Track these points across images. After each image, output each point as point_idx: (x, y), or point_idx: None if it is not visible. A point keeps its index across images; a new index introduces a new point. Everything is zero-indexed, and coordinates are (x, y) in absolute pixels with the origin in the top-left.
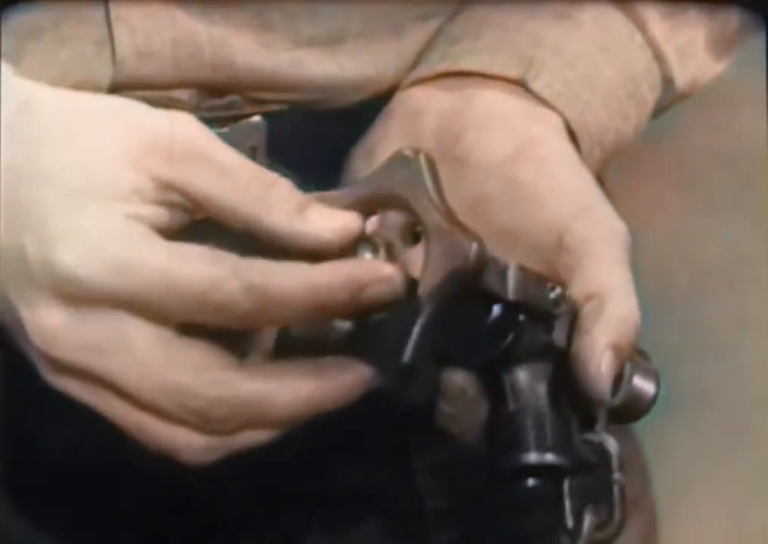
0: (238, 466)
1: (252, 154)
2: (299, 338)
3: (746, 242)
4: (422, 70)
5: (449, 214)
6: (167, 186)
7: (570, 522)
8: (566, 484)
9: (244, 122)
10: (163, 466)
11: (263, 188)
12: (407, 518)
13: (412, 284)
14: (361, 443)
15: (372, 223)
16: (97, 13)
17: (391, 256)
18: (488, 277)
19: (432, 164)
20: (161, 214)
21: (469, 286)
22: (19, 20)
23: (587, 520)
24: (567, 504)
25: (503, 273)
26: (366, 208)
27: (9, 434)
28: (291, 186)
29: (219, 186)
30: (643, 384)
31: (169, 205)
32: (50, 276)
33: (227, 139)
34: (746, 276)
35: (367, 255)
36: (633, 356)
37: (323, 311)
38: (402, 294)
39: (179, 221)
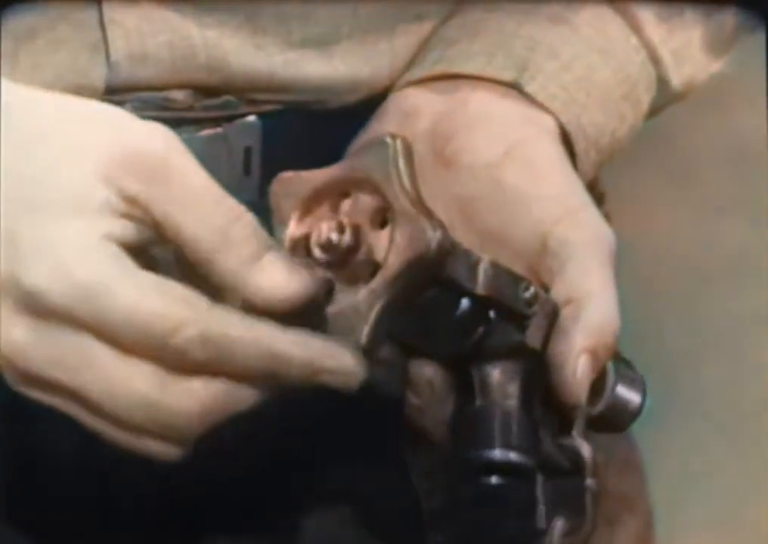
0: (231, 467)
1: (247, 154)
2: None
3: (746, 241)
4: (417, 72)
5: (418, 201)
6: (132, 201)
7: (541, 525)
8: (539, 487)
9: (239, 121)
10: (156, 468)
11: (226, 221)
12: (402, 519)
13: (373, 267)
14: (356, 444)
15: (344, 205)
16: (92, 16)
17: (357, 239)
18: (459, 270)
19: (407, 150)
20: (130, 230)
21: (431, 274)
22: (14, 22)
23: (558, 525)
24: (539, 507)
25: (473, 267)
26: (338, 190)
27: (8, 435)
28: (254, 223)
29: (181, 209)
30: (627, 394)
31: (136, 220)
32: (18, 291)
33: (222, 139)
34: (746, 276)
35: (333, 236)
36: (618, 365)
37: (274, 380)
38: (356, 389)
39: (148, 237)
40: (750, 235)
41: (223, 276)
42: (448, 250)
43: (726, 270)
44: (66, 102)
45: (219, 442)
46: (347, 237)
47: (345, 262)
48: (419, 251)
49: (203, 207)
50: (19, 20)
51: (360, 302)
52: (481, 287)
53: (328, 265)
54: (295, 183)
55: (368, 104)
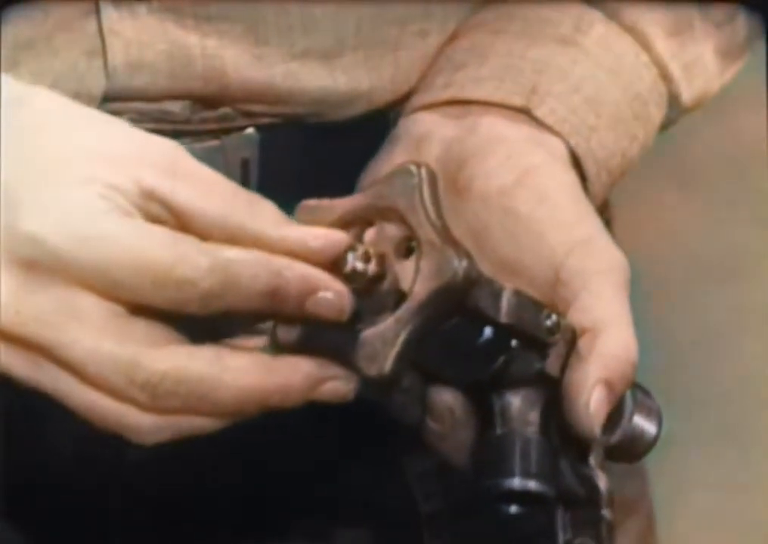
0: (229, 471)
1: (244, 166)
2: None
3: (746, 240)
4: (426, 96)
5: (443, 230)
6: (148, 195)
7: None
8: (558, 516)
9: (236, 134)
10: (155, 469)
11: (248, 201)
12: (400, 523)
13: (399, 296)
14: (354, 448)
15: (369, 234)
16: (90, 25)
17: (383, 268)
18: (482, 298)
19: (432, 178)
20: (134, 213)
21: (457, 303)
22: (12, 31)
23: None
24: (558, 536)
25: (497, 295)
26: (363, 219)
27: (7, 436)
28: (273, 205)
29: (203, 197)
30: (644, 424)
31: (146, 212)
32: (12, 240)
33: (220, 151)
34: (746, 274)
35: (358, 265)
36: (636, 393)
37: (275, 300)
38: (346, 317)
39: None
40: (751, 234)
41: (261, 234)
42: (474, 279)
43: (727, 269)
44: (84, 108)
45: (216, 442)
46: (373, 266)
47: (370, 291)
48: (445, 280)
49: (224, 193)
50: (17, 30)
51: (385, 330)
52: (504, 316)
53: (353, 294)
54: (320, 211)
55: (367, 118)
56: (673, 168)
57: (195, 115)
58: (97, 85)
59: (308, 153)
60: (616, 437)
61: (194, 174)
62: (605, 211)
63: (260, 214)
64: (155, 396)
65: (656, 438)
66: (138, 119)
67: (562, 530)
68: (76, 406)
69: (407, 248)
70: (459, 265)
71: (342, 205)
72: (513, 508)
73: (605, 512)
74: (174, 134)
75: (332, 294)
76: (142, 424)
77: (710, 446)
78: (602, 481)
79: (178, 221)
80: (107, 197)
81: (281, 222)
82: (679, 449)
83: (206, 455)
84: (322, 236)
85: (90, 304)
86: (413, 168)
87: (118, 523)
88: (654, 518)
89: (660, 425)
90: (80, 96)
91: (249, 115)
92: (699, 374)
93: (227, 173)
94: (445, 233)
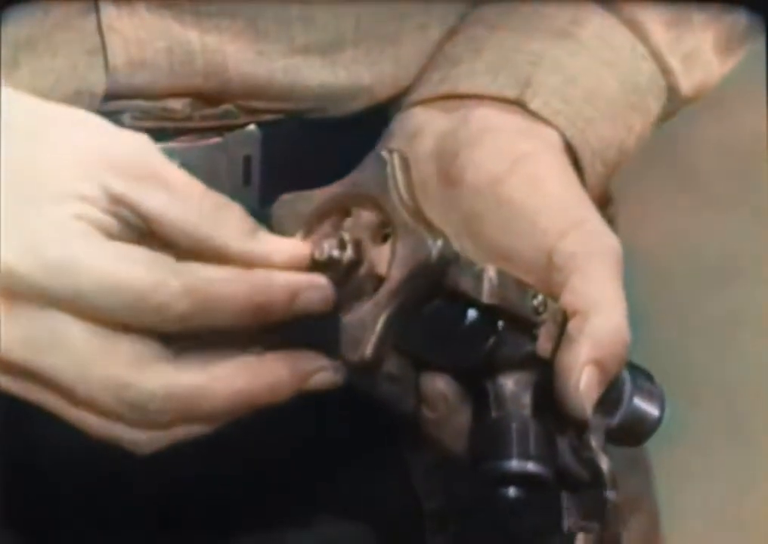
0: (229, 469)
1: (246, 163)
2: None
3: (746, 238)
4: (423, 92)
5: (417, 212)
6: (117, 200)
7: (564, 537)
8: (563, 499)
9: (239, 131)
10: (156, 472)
11: (215, 208)
12: (402, 520)
13: (377, 281)
14: (356, 445)
15: (346, 223)
16: (90, 23)
17: (359, 254)
18: (464, 280)
19: (404, 163)
20: (109, 222)
21: (435, 283)
22: (13, 30)
23: (580, 538)
24: (564, 519)
25: (479, 276)
26: (340, 208)
27: (8, 439)
28: (242, 210)
29: (171, 204)
30: (645, 407)
31: (119, 218)
32: None
33: (222, 148)
34: (746, 273)
35: (335, 252)
36: (636, 377)
37: (258, 314)
38: (332, 306)
39: (127, 234)
40: (750, 234)
41: (225, 248)
42: (450, 259)
43: (726, 269)
44: (50, 106)
45: (220, 442)
46: (349, 253)
47: (348, 278)
48: (420, 260)
49: (191, 198)
50: (17, 28)
51: (365, 315)
52: (487, 296)
53: (332, 282)
54: (297, 202)
55: (368, 112)
56: (674, 167)
57: (196, 113)
58: (98, 83)
59: (310, 149)
60: (617, 419)
61: (162, 177)
62: (608, 207)
63: (226, 224)
64: (146, 414)
65: (659, 421)
66: (140, 117)
67: (568, 516)
68: (71, 422)
69: (384, 234)
70: (434, 244)
71: (319, 195)
72: (512, 491)
73: (610, 493)
74: (176, 132)
75: (315, 290)
76: (137, 438)
77: (715, 442)
78: (604, 463)
79: (147, 225)
80: (81, 216)
81: (246, 233)
82: (682, 445)
83: (206, 455)
84: (285, 251)
85: (72, 328)
86: (384, 154)
87: (117, 522)
88: (658, 516)
89: (662, 408)
90: (81, 94)
91: (250, 111)
92: (701, 371)
93: (230, 170)
94: (419, 216)
